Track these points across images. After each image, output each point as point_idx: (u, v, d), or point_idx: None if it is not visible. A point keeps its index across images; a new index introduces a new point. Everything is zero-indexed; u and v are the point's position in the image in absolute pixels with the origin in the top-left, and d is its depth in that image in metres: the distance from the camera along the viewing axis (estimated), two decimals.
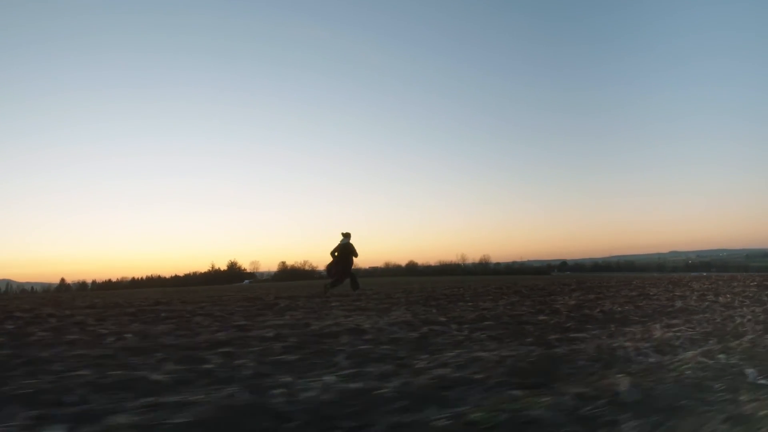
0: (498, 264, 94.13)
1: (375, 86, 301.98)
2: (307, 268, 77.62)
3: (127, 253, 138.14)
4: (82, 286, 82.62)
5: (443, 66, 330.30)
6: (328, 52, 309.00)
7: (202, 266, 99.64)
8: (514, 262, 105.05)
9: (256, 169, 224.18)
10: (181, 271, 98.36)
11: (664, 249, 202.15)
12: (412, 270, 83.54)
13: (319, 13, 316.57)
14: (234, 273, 79.12)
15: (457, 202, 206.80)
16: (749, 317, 3.65)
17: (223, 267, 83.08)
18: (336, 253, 8.08)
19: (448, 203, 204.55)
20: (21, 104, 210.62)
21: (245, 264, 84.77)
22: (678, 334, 2.77)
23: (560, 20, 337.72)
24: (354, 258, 8.17)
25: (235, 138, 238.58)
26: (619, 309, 4.46)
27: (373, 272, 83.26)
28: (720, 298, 5.65)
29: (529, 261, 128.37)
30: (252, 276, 78.82)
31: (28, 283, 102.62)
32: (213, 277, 78.80)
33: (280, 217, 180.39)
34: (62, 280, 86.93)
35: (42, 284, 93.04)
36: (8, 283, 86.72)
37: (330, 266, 8.16)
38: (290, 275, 73.28)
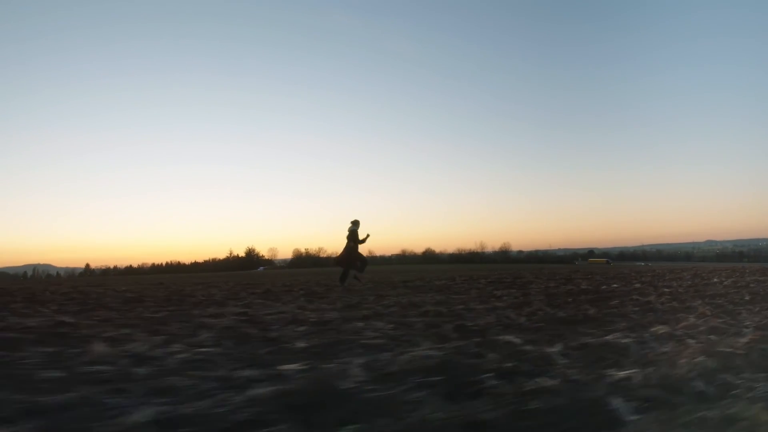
0: (520, 252, 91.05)
1: (395, 72, 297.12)
2: (322, 255, 76.70)
3: (147, 240, 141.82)
4: (105, 271, 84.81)
5: (463, 50, 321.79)
6: (347, 39, 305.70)
7: (221, 253, 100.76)
8: (537, 251, 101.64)
9: (277, 156, 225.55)
10: (200, 257, 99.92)
11: (700, 238, 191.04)
12: (429, 258, 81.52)
13: (344, 1, 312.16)
14: (252, 260, 79.17)
15: (478, 189, 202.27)
16: None
17: (242, 254, 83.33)
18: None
19: (469, 190, 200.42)
20: (48, 93, 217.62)
21: (263, 251, 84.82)
22: None
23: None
24: (357, 246, 7.84)
25: (255, 125, 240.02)
26: None
27: (389, 260, 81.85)
28: None
29: (554, 250, 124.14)
30: (269, 263, 78.76)
31: (69, 268, 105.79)
32: (231, 263, 79.24)
33: (301, 203, 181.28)
34: (87, 265, 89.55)
35: (66, 269, 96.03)
36: (35, 267, 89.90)
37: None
38: (306, 262, 72.85)
